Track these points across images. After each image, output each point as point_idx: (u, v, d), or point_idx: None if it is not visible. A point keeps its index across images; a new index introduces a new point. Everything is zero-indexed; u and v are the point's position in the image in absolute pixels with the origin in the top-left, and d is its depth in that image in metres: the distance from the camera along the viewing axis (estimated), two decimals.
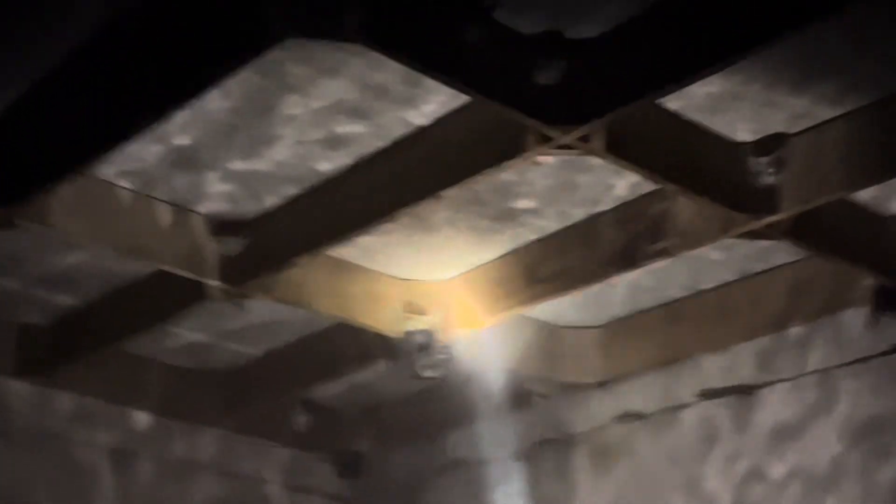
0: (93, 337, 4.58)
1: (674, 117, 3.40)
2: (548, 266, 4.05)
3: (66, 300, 4.56)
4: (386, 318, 4.32)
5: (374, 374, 5.05)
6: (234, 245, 3.96)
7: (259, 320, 4.69)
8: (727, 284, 4.37)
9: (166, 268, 3.95)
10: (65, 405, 4.93)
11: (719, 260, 4.23)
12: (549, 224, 4.03)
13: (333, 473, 5.53)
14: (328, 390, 5.26)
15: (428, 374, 4.45)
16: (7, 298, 4.53)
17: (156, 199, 3.87)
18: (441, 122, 3.45)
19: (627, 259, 3.88)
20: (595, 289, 4.26)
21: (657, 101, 3.31)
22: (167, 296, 4.22)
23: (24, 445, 4.80)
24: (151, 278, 4.28)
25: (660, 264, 3.99)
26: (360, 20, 2.79)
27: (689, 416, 4.51)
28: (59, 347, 4.72)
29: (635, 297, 4.52)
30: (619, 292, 4.47)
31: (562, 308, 4.55)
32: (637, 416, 4.63)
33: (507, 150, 3.29)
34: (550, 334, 4.70)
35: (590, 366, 4.71)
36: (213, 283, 3.97)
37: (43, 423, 4.87)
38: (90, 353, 4.61)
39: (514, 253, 4.17)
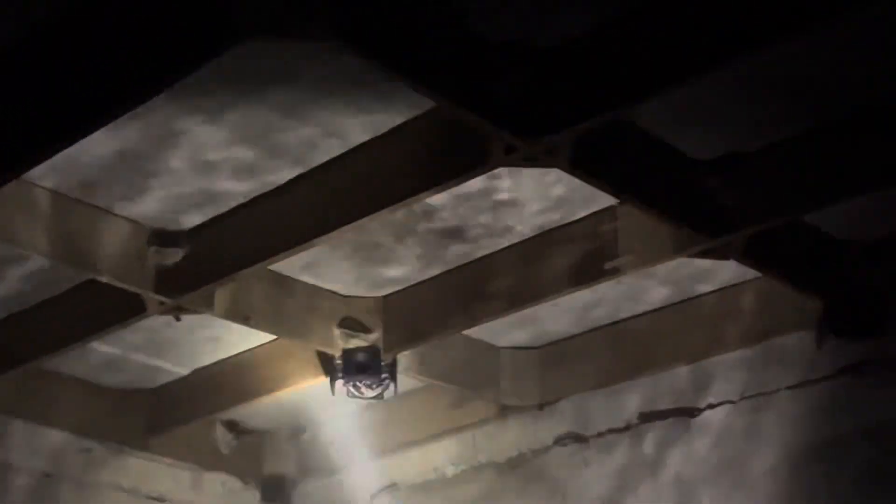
0: (9, 352, 4.38)
1: (636, 132, 3.36)
2: (494, 284, 3.98)
3: None
4: (325, 336, 4.20)
5: (305, 394, 4.92)
6: (173, 255, 3.81)
7: (190, 336, 4.55)
8: (671, 305, 4.34)
9: (102, 278, 3.78)
10: None
11: (662, 280, 4.20)
12: (499, 241, 3.97)
13: (256, 499, 5.38)
14: (255, 410, 5.12)
15: (369, 394, 4.34)
16: None
17: (93, 205, 3.72)
18: (398, 132, 3.35)
19: (578, 277, 3.83)
20: (536, 309, 4.21)
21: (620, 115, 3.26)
22: (98, 308, 4.05)
23: None
24: (79, 289, 4.11)
25: (605, 284, 3.96)
26: (331, 20, 2.69)
27: (631, 438, 4.46)
28: None
29: (578, 318, 4.47)
30: (558, 312, 4.42)
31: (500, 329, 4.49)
32: (577, 438, 4.57)
33: (469, 161, 3.19)
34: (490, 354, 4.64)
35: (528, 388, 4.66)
36: (152, 295, 3.81)
37: None
38: (6, 369, 4.40)
39: (460, 269, 4.10)
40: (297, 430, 5.30)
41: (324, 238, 3.61)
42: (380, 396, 4.34)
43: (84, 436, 4.91)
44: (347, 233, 3.63)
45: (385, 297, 4.25)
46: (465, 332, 4.46)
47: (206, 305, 3.89)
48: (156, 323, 4.39)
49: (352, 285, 4.22)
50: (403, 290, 4.23)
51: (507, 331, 4.53)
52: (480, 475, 4.82)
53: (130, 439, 4.99)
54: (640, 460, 4.41)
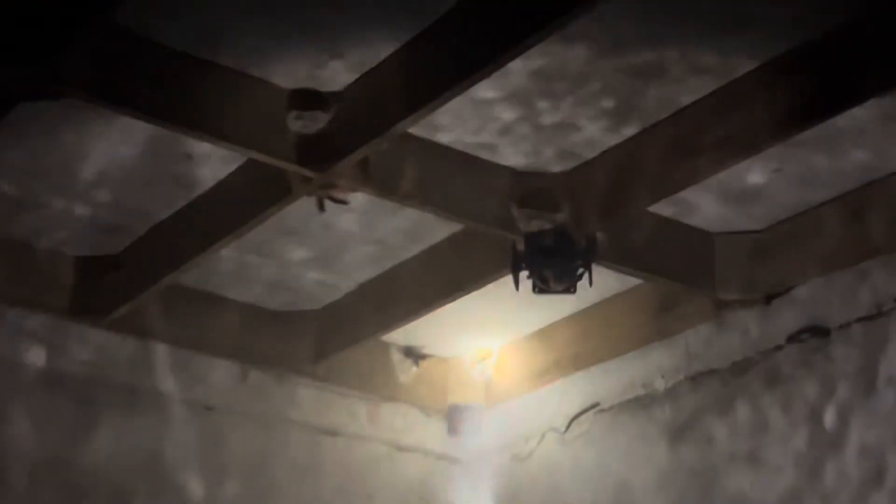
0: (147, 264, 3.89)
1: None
2: (706, 133, 3.24)
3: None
4: (503, 218, 3.54)
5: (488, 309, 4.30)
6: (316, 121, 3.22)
7: (351, 243, 3.98)
8: None
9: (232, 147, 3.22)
10: (129, 352, 4.24)
11: None
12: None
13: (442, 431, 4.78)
14: (435, 332, 4.52)
15: (558, 287, 3.66)
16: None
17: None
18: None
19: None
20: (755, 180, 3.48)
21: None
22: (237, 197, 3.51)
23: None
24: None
25: None
26: None
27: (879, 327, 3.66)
28: (118, 283, 4.04)
29: (806, 188, 3.66)
30: (783, 182, 3.65)
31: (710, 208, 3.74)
32: (816, 331, 3.78)
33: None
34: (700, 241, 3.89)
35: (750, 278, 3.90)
36: (295, 168, 3.22)
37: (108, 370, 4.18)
38: (148, 284, 3.90)
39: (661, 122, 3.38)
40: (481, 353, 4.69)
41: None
42: (571, 289, 3.65)
43: (246, 363, 4.41)
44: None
45: (571, 170, 3.57)
46: (673, 216, 3.77)
47: (358, 180, 3.29)
48: (312, 227, 3.85)
49: (530, 156, 3.56)
50: (595, 157, 3.54)
51: (718, 210, 3.79)
52: (698, 387, 4.07)
53: (297, 366, 4.46)
54: None
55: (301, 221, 3.84)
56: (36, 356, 4.03)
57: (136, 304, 4.00)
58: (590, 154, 3.52)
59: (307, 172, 3.25)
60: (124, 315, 4.08)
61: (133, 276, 4.00)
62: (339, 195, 3.36)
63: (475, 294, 4.12)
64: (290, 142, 3.22)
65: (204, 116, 3.15)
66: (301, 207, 3.60)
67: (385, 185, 3.34)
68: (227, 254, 4.01)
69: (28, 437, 3.97)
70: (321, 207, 3.39)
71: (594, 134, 3.44)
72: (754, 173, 3.58)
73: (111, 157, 3.58)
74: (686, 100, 3.29)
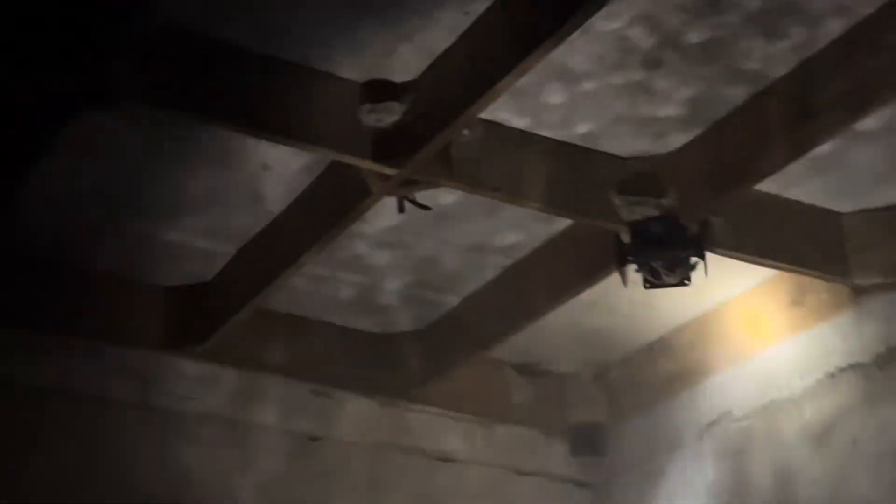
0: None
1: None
2: (822, 91, 2.90)
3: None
4: (602, 206, 3.24)
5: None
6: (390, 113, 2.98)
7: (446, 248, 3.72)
8: None
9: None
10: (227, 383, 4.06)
11: None
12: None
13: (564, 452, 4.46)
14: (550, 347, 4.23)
15: (671, 280, 3.34)
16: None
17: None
18: None
19: None
20: None
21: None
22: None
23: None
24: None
25: None
26: None
27: None
28: (209, 311, 3.86)
29: None
30: None
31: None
32: None
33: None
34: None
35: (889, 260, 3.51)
36: (371, 165, 2.98)
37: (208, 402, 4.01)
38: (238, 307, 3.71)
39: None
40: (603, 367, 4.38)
41: None
42: (685, 281, 3.32)
43: (348, 390, 4.18)
44: None
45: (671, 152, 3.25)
46: (796, 197, 3.42)
47: (440, 173, 3.03)
48: (405, 238, 3.61)
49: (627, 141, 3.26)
50: (699, 136, 3.22)
51: (846, 189, 3.43)
52: (838, 385, 3.69)
53: (403, 391, 4.21)
54: None
55: (390, 234, 3.62)
56: (131, 391, 3.87)
57: (229, 332, 3.81)
58: (693, 130, 3.21)
59: (385, 169, 3.02)
60: (219, 344, 3.91)
61: (223, 303, 3.81)
62: (420, 199, 3.12)
63: (588, 303, 3.85)
64: (365, 137, 2.99)
65: (270, 116, 2.94)
66: (387, 218, 3.40)
67: (471, 178, 3.08)
68: (319, 273, 3.81)
69: (126, 472, 3.80)
70: (401, 208, 3.14)
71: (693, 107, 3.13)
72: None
73: (189, 177, 3.41)
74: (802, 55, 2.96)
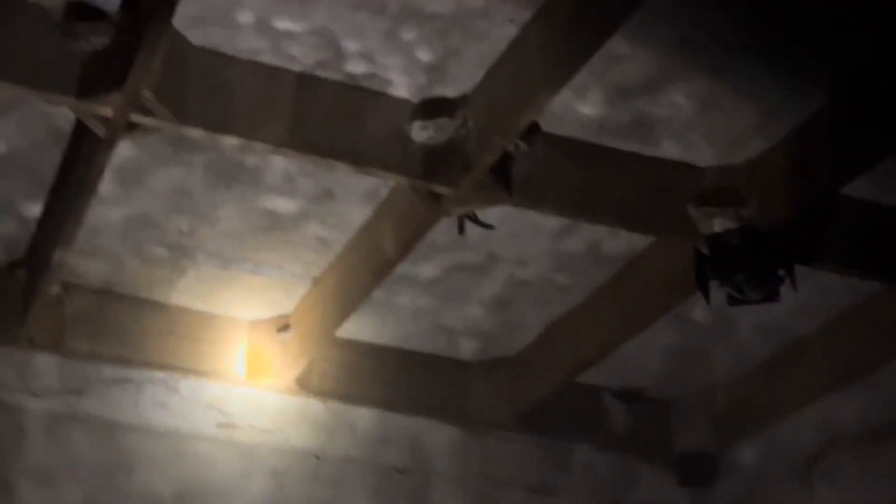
0: None
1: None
2: None
3: None
4: (677, 220, 3.05)
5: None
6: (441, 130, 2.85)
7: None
8: None
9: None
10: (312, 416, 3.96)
11: None
12: None
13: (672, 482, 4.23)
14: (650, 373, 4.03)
15: (756, 297, 3.11)
16: None
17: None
18: None
19: None
20: None
21: None
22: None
23: None
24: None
25: None
26: None
27: None
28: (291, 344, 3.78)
29: None
30: None
31: None
32: None
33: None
34: None
35: None
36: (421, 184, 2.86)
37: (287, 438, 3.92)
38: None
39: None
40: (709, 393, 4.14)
41: None
42: (773, 296, 3.09)
43: (437, 419, 4.03)
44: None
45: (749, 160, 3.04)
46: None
47: (497, 192, 2.88)
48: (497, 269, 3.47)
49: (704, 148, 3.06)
50: (781, 142, 3.00)
51: None
52: None
53: (497, 419, 4.05)
54: None
55: (476, 254, 3.49)
56: (212, 425, 3.82)
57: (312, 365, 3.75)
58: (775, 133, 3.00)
59: (439, 189, 2.89)
60: (307, 377, 3.84)
61: (307, 334, 3.74)
62: (481, 215, 2.98)
63: (684, 321, 3.65)
64: (416, 156, 2.87)
65: (320, 137, 2.85)
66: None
67: (530, 195, 2.92)
68: (403, 301, 3.71)
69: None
70: (461, 230, 3.01)
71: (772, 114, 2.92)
72: None
73: (251, 205, 3.35)
74: None
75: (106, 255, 3.53)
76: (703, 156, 3.07)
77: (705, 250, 3.07)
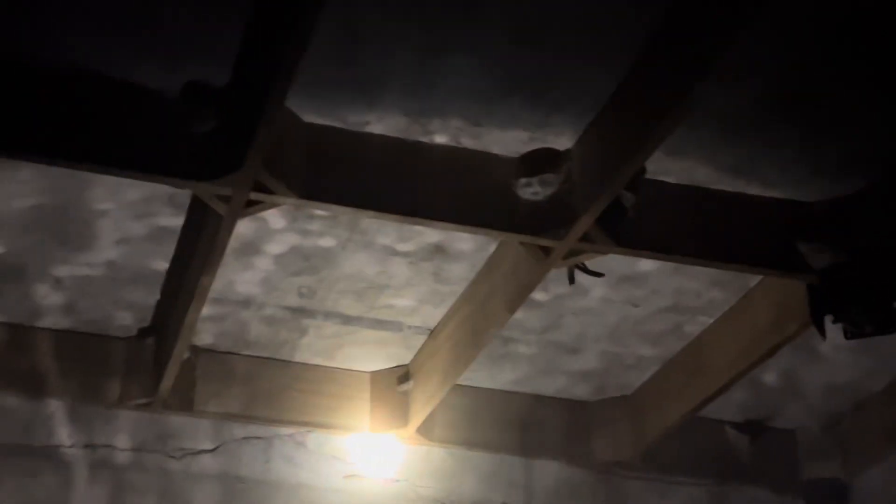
0: None
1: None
2: None
3: None
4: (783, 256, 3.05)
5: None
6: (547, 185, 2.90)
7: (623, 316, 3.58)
8: None
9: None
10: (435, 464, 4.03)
11: None
12: None
13: None
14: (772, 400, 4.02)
15: (871, 329, 3.09)
16: None
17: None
18: None
19: None
20: None
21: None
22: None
23: None
24: None
25: None
26: None
27: None
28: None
29: None
30: None
31: None
32: None
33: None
34: None
35: None
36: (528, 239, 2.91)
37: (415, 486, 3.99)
38: None
39: None
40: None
41: None
42: (891, 328, 3.07)
43: (553, 458, 4.06)
44: None
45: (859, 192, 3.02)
46: None
47: (605, 241, 2.93)
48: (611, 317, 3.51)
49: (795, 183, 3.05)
50: (887, 172, 2.97)
51: None
52: None
53: (616, 457, 4.05)
54: None
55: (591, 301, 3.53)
56: (339, 476, 3.91)
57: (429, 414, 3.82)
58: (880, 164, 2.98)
59: (546, 242, 2.94)
60: (429, 425, 3.91)
61: (427, 384, 3.82)
62: (591, 264, 3.03)
63: (804, 347, 3.64)
64: (522, 212, 2.93)
65: (427, 200, 2.93)
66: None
67: (637, 242, 2.95)
68: (518, 347, 3.76)
69: None
70: (571, 279, 3.06)
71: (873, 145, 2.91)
72: None
73: (367, 264, 3.44)
74: None
75: (231, 319, 3.67)
76: (809, 190, 3.08)
77: (817, 285, 3.07)
